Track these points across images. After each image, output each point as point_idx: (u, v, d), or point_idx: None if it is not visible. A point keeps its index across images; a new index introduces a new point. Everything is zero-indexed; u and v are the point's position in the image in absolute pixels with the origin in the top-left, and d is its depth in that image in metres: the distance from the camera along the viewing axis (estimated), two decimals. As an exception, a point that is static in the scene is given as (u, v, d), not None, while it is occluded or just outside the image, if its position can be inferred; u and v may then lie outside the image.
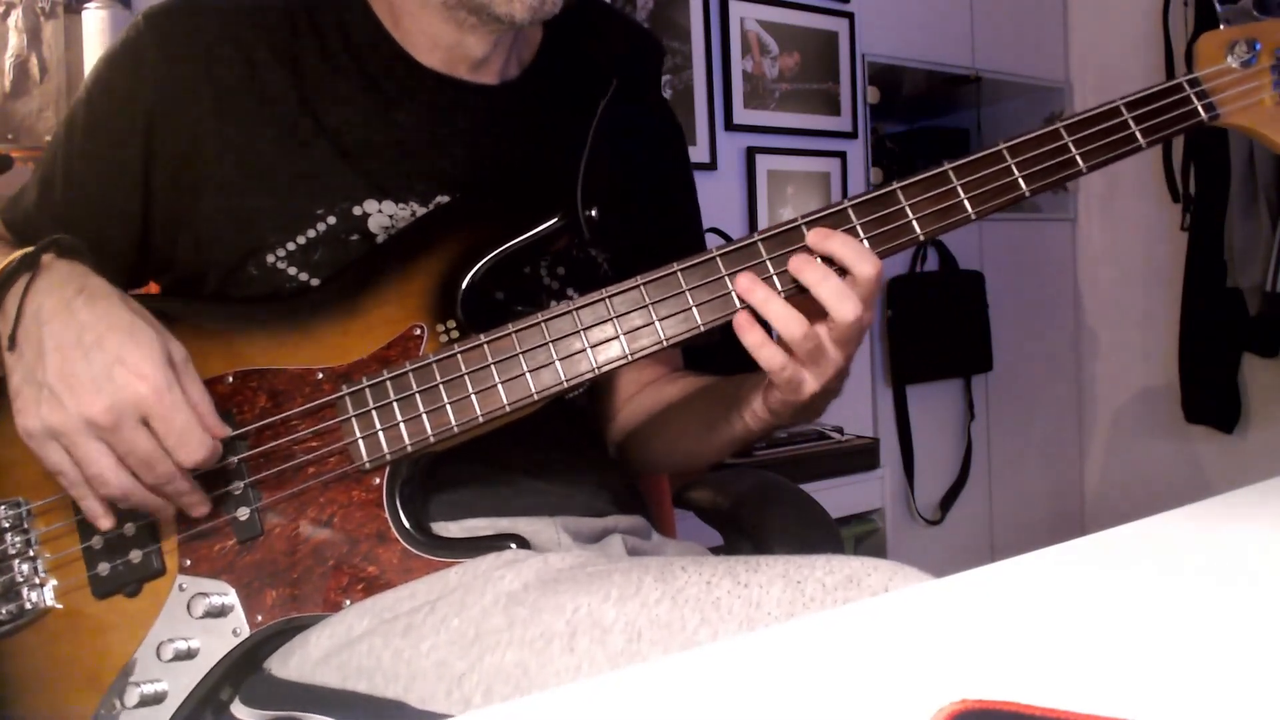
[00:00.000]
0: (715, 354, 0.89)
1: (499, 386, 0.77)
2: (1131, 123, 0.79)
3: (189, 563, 0.78)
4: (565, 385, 0.77)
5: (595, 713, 0.42)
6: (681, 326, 0.77)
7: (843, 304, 0.74)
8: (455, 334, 0.79)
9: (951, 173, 0.78)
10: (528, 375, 0.77)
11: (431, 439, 0.77)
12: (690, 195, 1.09)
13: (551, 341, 0.77)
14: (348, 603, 0.76)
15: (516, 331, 0.77)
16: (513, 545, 0.77)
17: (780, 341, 0.76)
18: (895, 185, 0.78)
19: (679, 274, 0.77)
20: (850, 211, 0.77)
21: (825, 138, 2.66)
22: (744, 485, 1.21)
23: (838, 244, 0.75)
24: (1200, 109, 0.80)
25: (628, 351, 0.77)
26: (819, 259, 0.76)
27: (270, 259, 0.85)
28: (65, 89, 1.60)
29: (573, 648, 0.64)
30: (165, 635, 0.76)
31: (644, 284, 0.77)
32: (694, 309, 0.77)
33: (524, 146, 0.92)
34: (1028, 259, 3.14)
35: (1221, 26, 0.81)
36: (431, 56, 0.90)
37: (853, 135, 2.71)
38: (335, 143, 0.86)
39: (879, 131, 2.78)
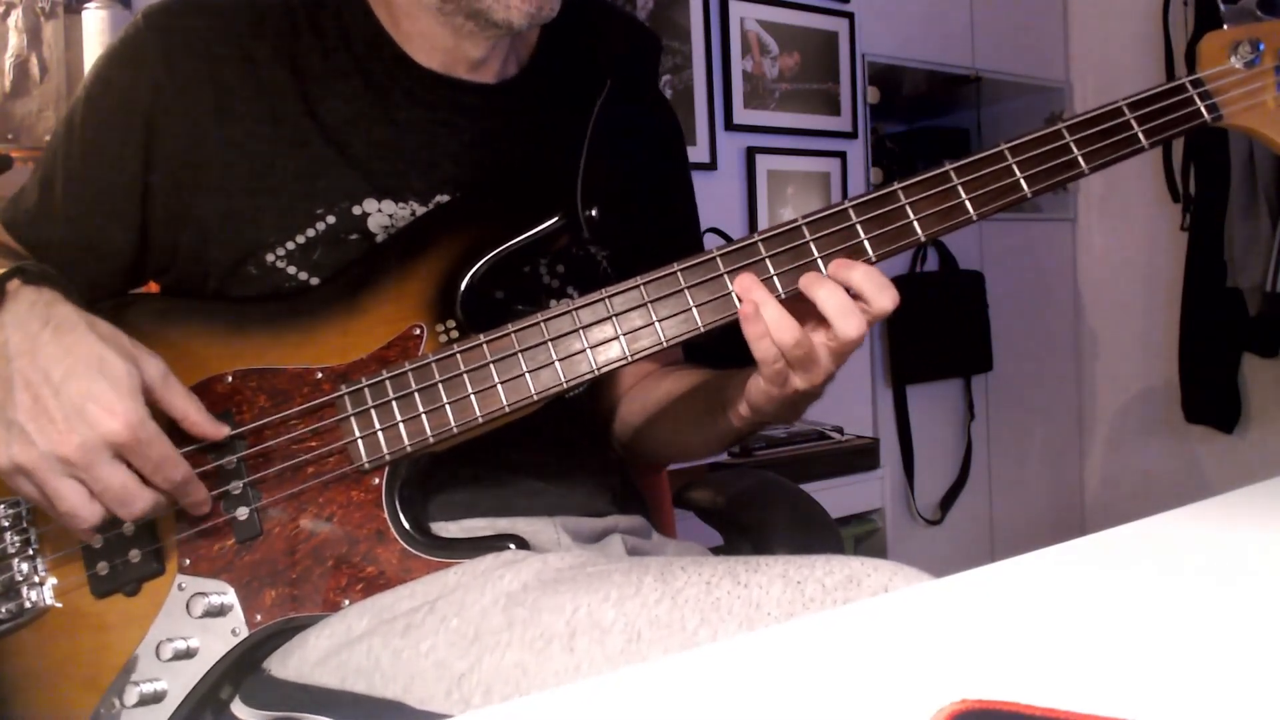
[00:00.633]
0: (717, 346, 0.89)
1: (498, 387, 0.77)
2: (1134, 123, 0.79)
3: (188, 562, 0.78)
4: (565, 386, 0.77)
5: (595, 713, 0.42)
6: (681, 327, 0.77)
7: (847, 320, 0.74)
8: (455, 334, 0.79)
9: (953, 173, 0.77)
10: (527, 375, 0.77)
11: (431, 439, 0.77)
12: (689, 193, 1.09)
13: (551, 341, 0.77)
14: (347, 603, 0.76)
15: (516, 331, 0.77)
16: (512, 545, 0.77)
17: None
18: (896, 185, 0.77)
19: (679, 274, 0.77)
20: (851, 211, 0.77)
21: (825, 138, 2.66)
22: (744, 485, 1.20)
23: (859, 276, 0.75)
24: (1203, 110, 0.80)
25: (627, 352, 0.77)
26: (823, 277, 0.75)
27: (270, 258, 0.85)
28: (65, 89, 1.60)
29: (572, 648, 0.64)
30: (165, 634, 0.76)
31: (644, 284, 0.77)
32: (694, 309, 0.77)
33: (523, 146, 0.92)
34: (1028, 259, 3.14)
35: (1225, 27, 0.81)
36: (430, 58, 0.90)
37: (853, 135, 2.71)
38: (335, 142, 0.86)
39: (879, 131, 2.78)
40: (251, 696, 0.74)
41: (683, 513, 1.21)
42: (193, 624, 0.76)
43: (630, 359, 0.77)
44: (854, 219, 0.77)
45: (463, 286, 0.80)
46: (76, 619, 0.79)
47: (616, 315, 0.77)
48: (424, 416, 0.77)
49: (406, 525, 0.77)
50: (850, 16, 2.68)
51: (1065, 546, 0.60)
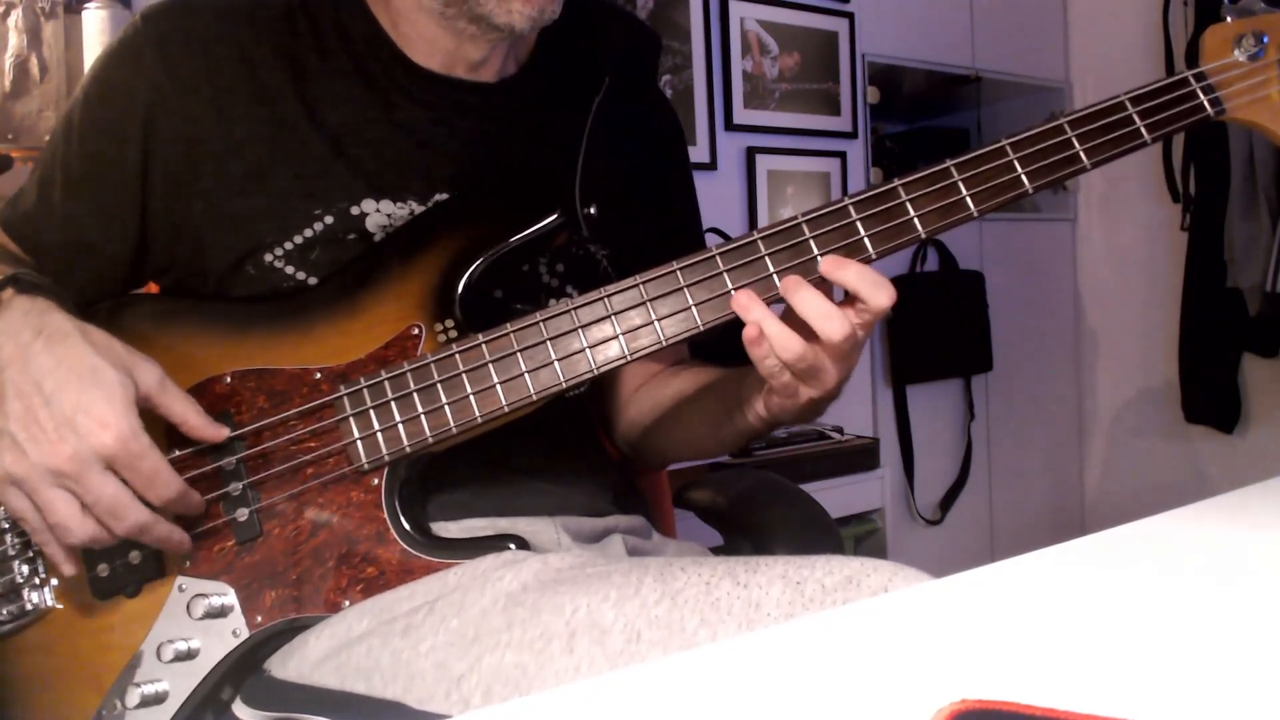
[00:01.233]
0: (719, 343, 0.88)
1: (497, 387, 0.77)
2: (1136, 117, 0.78)
3: (189, 563, 0.78)
4: (564, 385, 0.77)
5: (594, 713, 0.42)
6: (681, 326, 0.77)
7: (828, 324, 0.73)
8: (453, 333, 0.79)
9: (954, 169, 0.77)
10: (526, 375, 0.77)
11: (430, 439, 0.77)
12: (689, 192, 1.09)
13: (550, 340, 0.77)
14: (347, 603, 0.76)
15: (515, 331, 0.77)
16: (512, 546, 0.77)
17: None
18: (897, 182, 0.77)
19: (678, 272, 0.77)
20: (851, 208, 0.77)
21: (825, 138, 2.66)
22: (744, 485, 1.20)
23: (852, 274, 0.74)
24: (1206, 103, 0.79)
25: (626, 351, 0.77)
26: (806, 281, 0.75)
27: (268, 258, 0.85)
28: (65, 89, 1.60)
29: (572, 648, 0.64)
30: (166, 636, 0.76)
31: (643, 283, 0.77)
32: (693, 308, 0.77)
33: (522, 144, 0.92)
34: (1028, 259, 3.14)
35: (1227, 20, 0.80)
36: (430, 59, 0.90)
37: (853, 135, 2.71)
38: (333, 142, 0.86)
39: (879, 131, 2.78)
40: (252, 697, 0.74)
41: (683, 513, 1.21)
42: (193, 625, 0.76)
43: (629, 358, 0.77)
44: (854, 216, 0.76)
45: (461, 286, 0.80)
46: (78, 621, 0.79)
47: (615, 314, 0.77)
48: (423, 417, 0.77)
49: (406, 526, 0.77)
50: (850, 16, 2.68)
51: (1065, 546, 0.60)
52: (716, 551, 1.05)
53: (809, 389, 0.77)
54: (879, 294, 0.74)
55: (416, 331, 0.80)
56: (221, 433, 0.77)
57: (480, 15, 0.84)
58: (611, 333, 0.77)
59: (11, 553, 0.80)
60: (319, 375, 0.79)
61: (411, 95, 0.90)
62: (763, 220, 2.51)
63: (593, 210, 0.82)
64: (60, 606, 0.79)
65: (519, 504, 0.86)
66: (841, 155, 2.68)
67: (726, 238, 0.84)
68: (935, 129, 2.95)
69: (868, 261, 0.75)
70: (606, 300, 0.77)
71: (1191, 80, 0.79)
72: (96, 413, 0.69)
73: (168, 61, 0.85)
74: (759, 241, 0.77)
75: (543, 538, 0.85)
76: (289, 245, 0.84)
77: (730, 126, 2.47)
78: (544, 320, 0.77)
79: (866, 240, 0.76)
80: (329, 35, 0.89)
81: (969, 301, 2.89)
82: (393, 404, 0.78)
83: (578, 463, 0.93)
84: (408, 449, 0.77)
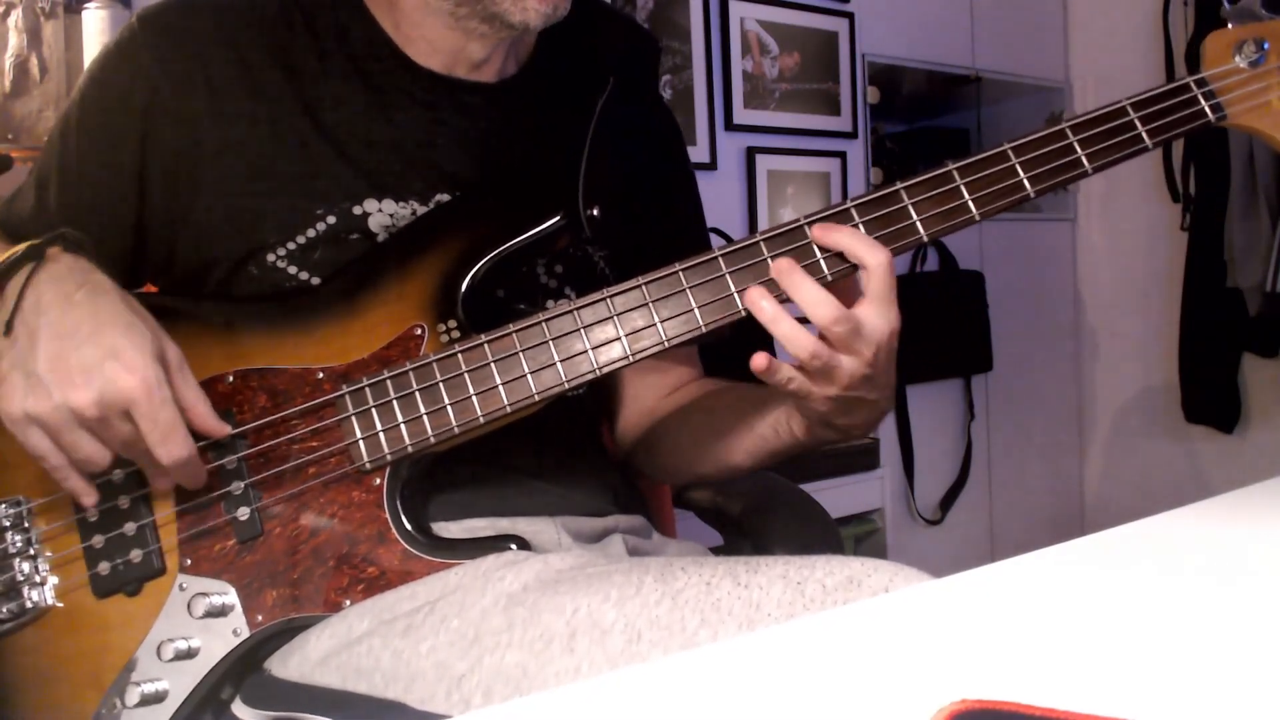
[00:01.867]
0: (721, 347, 0.87)
1: (500, 387, 0.77)
2: (1138, 123, 0.79)
3: (189, 562, 0.78)
4: (566, 386, 0.77)
5: (595, 713, 0.42)
6: (683, 327, 0.77)
7: (818, 309, 0.73)
8: (456, 333, 0.79)
9: (956, 173, 0.77)
10: (529, 376, 0.77)
11: (432, 439, 0.77)
12: (691, 195, 1.08)
13: (552, 341, 0.77)
14: (348, 603, 0.76)
15: (517, 331, 0.77)
16: (513, 546, 0.77)
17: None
18: (899, 185, 0.77)
19: (680, 274, 0.77)
20: (854, 211, 0.77)
21: (825, 138, 2.66)
22: (744, 485, 1.20)
23: (845, 237, 0.75)
24: (1207, 109, 0.79)
25: (629, 352, 0.77)
26: (799, 267, 0.75)
27: (270, 258, 0.85)
28: (65, 89, 1.60)
29: (572, 649, 0.65)
30: (166, 635, 0.76)
31: (645, 284, 0.77)
32: (695, 310, 0.77)
33: (523, 145, 0.92)
34: (1028, 259, 3.13)
35: (1229, 26, 0.81)
36: (431, 60, 0.90)
37: (853, 135, 2.71)
38: (334, 142, 0.86)
39: (879, 131, 2.78)
40: (252, 697, 0.74)
41: (683, 513, 1.21)
42: (194, 624, 0.76)
43: (632, 359, 0.77)
44: (856, 219, 0.77)
45: (464, 286, 0.80)
46: (78, 619, 0.79)
47: (618, 315, 0.77)
48: (425, 417, 0.77)
49: (408, 525, 0.77)
50: (850, 16, 2.68)
51: (1065, 546, 0.60)
52: (716, 551, 1.05)
53: (822, 393, 0.76)
54: (873, 254, 0.74)
55: (419, 332, 0.80)
56: (224, 429, 0.77)
57: (495, 14, 0.84)
58: (614, 334, 0.77)
59: (12, 550, 0.80)
60: (321, 375, 0.79)
61: (412, 95, 0.90)
62: (763, 220, 2.51)
63: (595, 212, 0.82)
64: (60, 605, 0.79)
65: (519, 504, 0.86)
66: (841, 155, 2.68)
67: (727, 238, 0.84)
68: (935, 129, 2.95)
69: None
70: (609, 301, 0.77)
71: (1193, 86, 0.80)
72: (125, 359, 0.71)
73: (164, 63, 0.85)
74: (762, 244, 0.77)
75: (543, 538, 0.85)
76: (291, 245, 0.84)
77: (730, 126, 2.47)
78: (546, 321, 0.77)
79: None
80: (327, 35, 0.89)
81: (969, 301, 2.89)
82: (395, 403, 0.78)
83: (578, 463, 0.93)
84: (409, 449, 0.77)
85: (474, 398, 0.77)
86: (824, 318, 0.74)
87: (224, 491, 0.78)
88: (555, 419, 0.86)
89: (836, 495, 2.28)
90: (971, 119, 3.00)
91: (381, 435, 0.78)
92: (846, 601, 0.63)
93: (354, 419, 0.78)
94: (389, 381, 0.78)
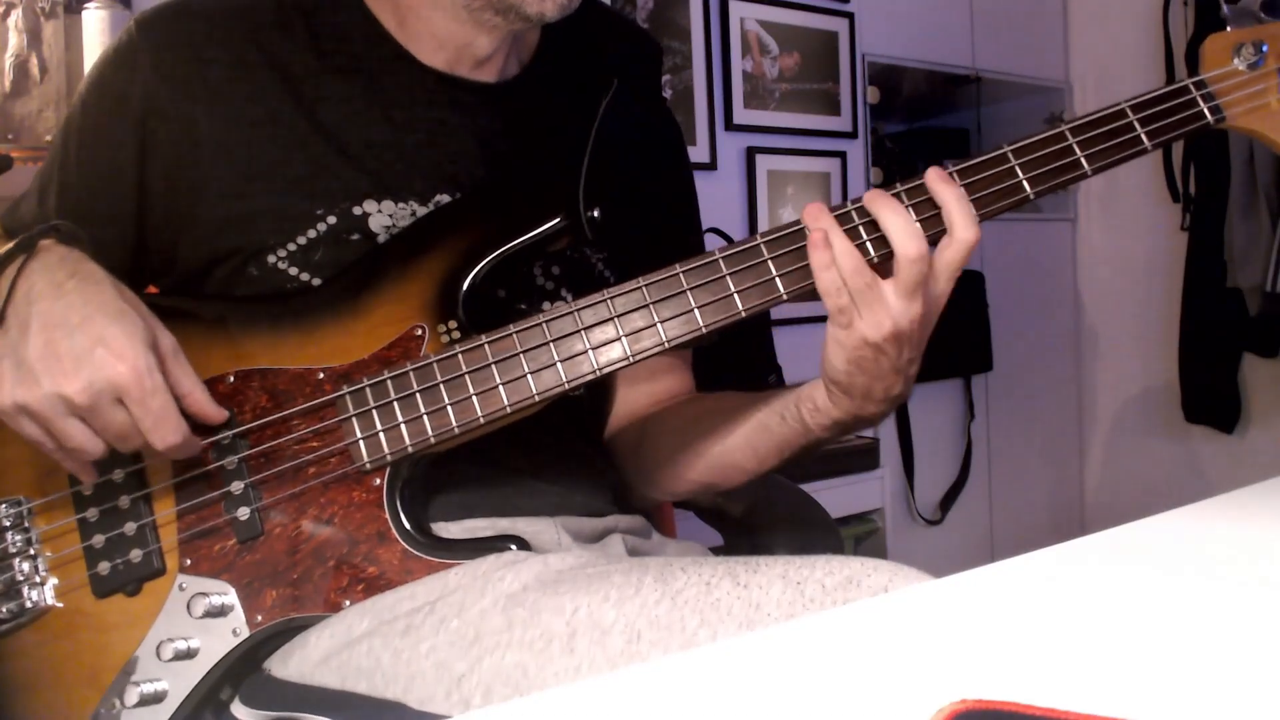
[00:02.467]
0: (716, 350, 0.87)
1: (500, 387, 0.77)
2: (1137, 124, 0.79)
3: (189, 562, 0.78)
4: (566, 387, 0.77)
5: (595, 713, 0.42)
6: (684, 328, 0.77)
7: (909, 242, 0.74)
8: (456, 334, 0.79)
9: (956, 174, 0.77)
10: (529, 376, 0.77)
11: (432, 440, 0.77)
12: (691, 198, 1.09)
13: (553, 342, 0.77)
14: (348, 603, 0.76)
15: (517, 332, 0.77)
16: (513, 546, 0.77)
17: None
18: (899, 187, 0.77)
19: (681, 275, 0.77)
20: (854, 213, 0.77)
21: (825, 138, 2.66)
22: (744, 485, 1.20)
23: (954, 196, 0.75)
24: (1206, 111, 0.79)
25: (629, 353, 0.77)
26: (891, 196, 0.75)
27: (271, 259, 0.85)
28: (65, 89, 1.60)
29: (572, 649, 0.65)
30: (165, 635, 0.76)
31: (646, 285, 0.77)
32: (696, 311, 0.77)
33: (524, 145, 0.92)
34: (1028, 259, 3.14)
35: (1228, 28, 0.81)
36: (435, 57, 0.90)
37: (853, 135, 2.71)
38: (333, 142, 0.86)
39: (879, 131, 2.78)
40: (252, 697, 0.74)
41: (683, 513, 1.21)
42: (193, 624, 0.76)
43: (632, 360, 0.77)
44: (857, 220, 0.77)
45: (465, 287, 0.80)
46: (77, 619, 0.79)
47: (618, 316, 0.77)
48: (425, 417, 0.77)
49: (408, 526, 0.77)
50: (850, 16, 2.68)
51: (1065, 546, 0.60)
52: (716, 551, 1.05)
53: (864, 325, 0.75)
54: (971, 226, 0.75)
55: (420, 332, 0.80)
56: (221, 414, 0.77)
57: (510, 5, 0.84)
58: (614, 334, 0.77)
59: (12, 550, 0.80)
60: (322, 375, 0.80)
61: (412, 94, 0.90)
62: (762, 220, 2.51)
63: (596, 214, 0.82)
64: (60, 605, 0.79)
65: (519, 504, 0.86)
66: (841, 155, 2.68)
67: (727, 238, 0.84)
68: (935, 129, 2.95)
69: (870, 264, 0.75)
70: (609, 302, 0.77)
71: (1192, 88, 0.80)
72: (115, 346, 0.71)
73: (161, 66, 0.85)
74: (762, 245, 0.77)
75: (543, 538, 0.85)
76: (292, 246, 0.84)
77: (730, 126, 2.47)
78: (547, 322, 0.77)
79: (869, 244, 0.76)
80: (326, 35, 0.89)
81: (969, 301, 2.89)
82: (395, 404, 0.78)
83: (578, 463, 0.93)
84: (410, 449, 0.77)
85: (474, 398, 0.77)
86: (912, 250, 0.74)
87: (224, 491, 0.78)
88: (555, 419, 0.86)
89: (836, 495, 2.28)
90: (971, 119, 3.00)
91: (382, 435, 0.78)
92: (846, 601, 0.63)
93: (354, 419, 0.78)
94: (389, 382, 0.78)
